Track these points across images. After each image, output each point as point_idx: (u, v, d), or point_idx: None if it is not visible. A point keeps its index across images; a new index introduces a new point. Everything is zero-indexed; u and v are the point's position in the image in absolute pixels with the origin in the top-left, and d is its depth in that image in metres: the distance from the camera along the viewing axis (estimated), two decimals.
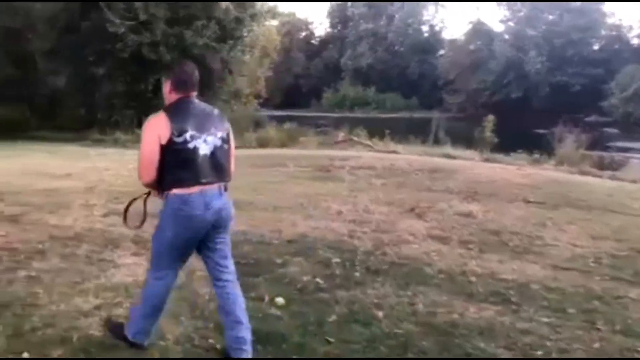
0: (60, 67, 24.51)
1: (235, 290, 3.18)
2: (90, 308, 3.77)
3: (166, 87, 3.05)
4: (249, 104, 32.28)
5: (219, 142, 3.00)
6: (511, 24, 57.28)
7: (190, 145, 2.87)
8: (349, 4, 71.04)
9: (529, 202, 7.92)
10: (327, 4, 77.47)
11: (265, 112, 36.76)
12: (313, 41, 76.38)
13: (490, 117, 16.66)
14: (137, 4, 20.93)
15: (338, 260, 4.88)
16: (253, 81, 34.14)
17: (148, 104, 24.84)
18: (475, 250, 5.42)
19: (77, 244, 5.27)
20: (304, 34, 75.80)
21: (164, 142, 2.83)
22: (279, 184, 9.23)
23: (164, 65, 22.76)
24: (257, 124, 26.57)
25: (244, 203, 7.40)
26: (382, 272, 4.63)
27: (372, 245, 5.41)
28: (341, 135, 19.64)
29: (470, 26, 60.42)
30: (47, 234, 5.63)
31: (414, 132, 19.49)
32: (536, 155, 14.82)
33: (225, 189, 3.06)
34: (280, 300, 3.95)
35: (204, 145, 2.91)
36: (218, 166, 2.98)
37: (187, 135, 2.86)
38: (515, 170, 11.04)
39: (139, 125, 25.43)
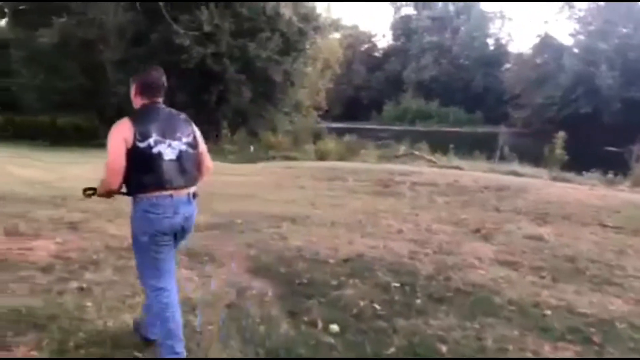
0: (128, 77, 25.20)
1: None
2: None
3: (132, 90, 3.04)
4: (309, 115, 32.36)
5: (184, 147, 2.97)
6: (581, 37, 55.12)
7: (155, 150, 2.86)
8: (413, 16, 70.56)
9: (605, 226, 7.32)
10: (391, 17, 77.42)
11: (325, 124, 36.67)
12: (375, 54, 76.27)
13: (561, 134, 15.80)
14: (203, 16, 21.31)
15: (397, 284, 4.57)
16: (314, 93, 34.26)
17: (212, 115, 25.34)
18: (548, 278, 4.97)
19: (131, 255, 5.13)
20: (366, 46, 75.87)
21: (128, 146, 2.82)
22: (337, 198, 8.99)
23: (227, 77, 23.23)
24: (317, 136, 26.53)
25: (301, 217, 7.22)
26: (445, 300, 4.28)
27: (435, 268, 5.06)
28: (402, 149, 19.25)
29: (537, 40, 58.62)
30: (104, 244, 5.59)
31: (478, 147, 18.86)
32: (610, 175, 13.93)
33: (194, 196, 3.03)
34: (334, 327, 3.68)
35: (169, 150, 2.90)
36: (184, 171, 2.95)
37: (151, 141, 2.85)
38: (587, 191, 10.35)
39: (203, 135, 26.04)
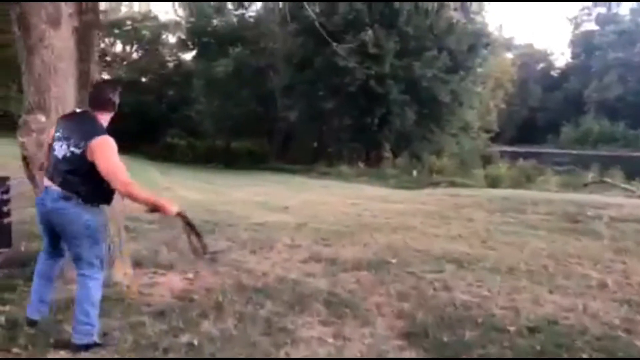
0: (294, 102, 25.65)
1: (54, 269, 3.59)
2: None
3: None
4: (478, 138, 30.36)
5: (68, 153, 3.21)
6: None
7: (55, 146, 3.29)
8: (596, 32, 64.54)
9: None
10: (569, 33, 71.97)
11: (496, 148, 34.18)
12: (552, 72, 71.04)
13: None
14: (367, 37, 20.80)
15: None
16: (484, 114, 32.13)
17: (374, 138, 24.72)
18: None
19: (262, 300, 4.36)
20: (542, 65, 71.05)
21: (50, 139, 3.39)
22: (513, 235, 7.47)
23: (391, 98, 22.45)
24: (487, 160, 24.61)
25: (469, 259, 5.94)
26: None
27: None
28: (591, 176, 16.68)
29: None
30: (236, 282, 4.87)
31: None
32: None
33: (66, 198, 3.21)
34: None
35: (59, 150, 3.24)
36: (59, 172, 3.24)
37: (56, 135, 3.30)
38: None
39: (367, 158, 25.57)
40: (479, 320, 3.99)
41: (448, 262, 5.75)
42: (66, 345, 3.28)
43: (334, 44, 7.61)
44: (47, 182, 3.29)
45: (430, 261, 5.80)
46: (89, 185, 3.20)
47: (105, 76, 40.09)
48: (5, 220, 4.35)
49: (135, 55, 40.64)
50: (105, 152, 3.14)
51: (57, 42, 4.02)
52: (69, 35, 4.10)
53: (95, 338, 3.29)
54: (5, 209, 4.30)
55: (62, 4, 4.04)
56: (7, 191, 4.31)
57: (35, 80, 4.02)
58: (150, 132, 35.35)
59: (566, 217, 8.72)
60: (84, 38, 4.20)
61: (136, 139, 35.28)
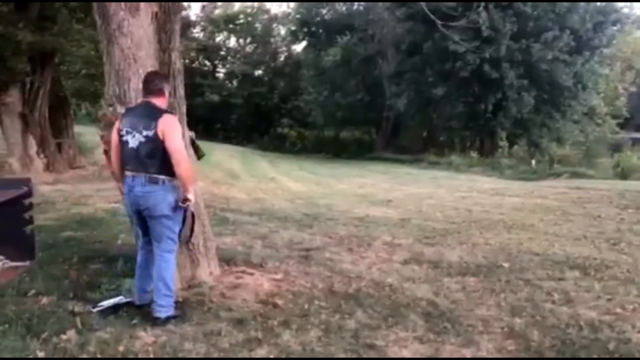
0: (403, 90, 24.90)
1: (153, 258, 3.64)
2: None
3: None
4: (604, 124, 27.82)
5: (143, 139, 3.44)
6: None
7: (124, 139, 3.51)
8: None
9: None
10: None
11: (626, 135, 31.14)
12: None
13: None
14: (481, 20, 19.55)
15: None
16: (612, 98, 29.36)
17: (488, 125, 23.40)
18: None
19: (352, 308, 3.95)
20: None
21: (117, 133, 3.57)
22: None
23: (507, 83, 21.05)
24: (615, 149, 22.46)
25: (595, 265, 5.19)
26: None
27: None
28: None
29: None
30: (327, 286, 4.50)
31: None
32: None
33: (153, 180, 3.48)
34: None
35: (132, 140, 3.47)
36: (139, 159, 3.48)
37: (124, 131, 3.51)
38: None
39: (481, 147, 24.28)
40: (609, 346, 3.29)
41: (570, 269, 5.00)
42: (153, 322, 3.47)
43: (439, 23, 6.93)
44: (129, 172, 3.53)
45: (549, 267, 5.08)
46: (167, 162, 3.43)
47: (222, 70, 41.75)
48: (27, 229, 3.90)
49: (248, 49, 41.66)
50: (172, 129, 3.43)
51: (136, 30, 3.83)
52: (149, 22, 3.90)
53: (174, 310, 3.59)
54: (26, 215, 3.90)
55: None
56: (28, 194, 3.84)
57: (115, 71, 3.86)
58: (262, 123, 36.21)
59: None
60: (164, 25, 3.98)
61: (249, 129, 36.38)
